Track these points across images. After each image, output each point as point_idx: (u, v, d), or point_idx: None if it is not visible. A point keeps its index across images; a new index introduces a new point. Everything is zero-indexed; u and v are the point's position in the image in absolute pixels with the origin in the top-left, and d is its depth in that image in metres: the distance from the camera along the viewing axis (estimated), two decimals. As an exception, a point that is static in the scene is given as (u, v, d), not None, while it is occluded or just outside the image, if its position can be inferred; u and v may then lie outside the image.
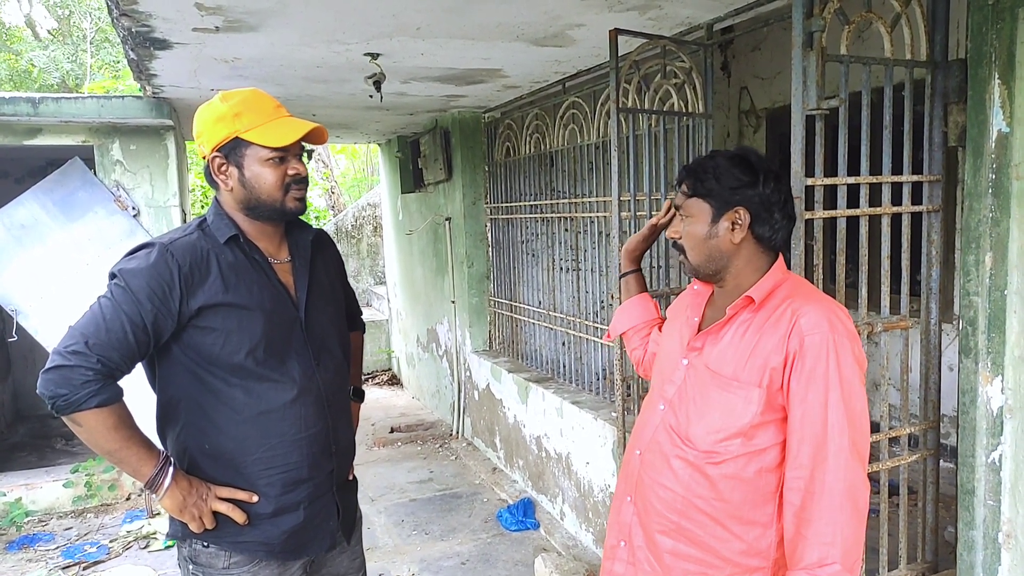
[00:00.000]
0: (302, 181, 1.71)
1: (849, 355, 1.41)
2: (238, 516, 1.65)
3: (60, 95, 4.37)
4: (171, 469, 1.61)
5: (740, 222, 1.50)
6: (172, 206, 4.65)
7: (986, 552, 1.78)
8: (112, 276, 1.61)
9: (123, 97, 4.42)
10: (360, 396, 2.12)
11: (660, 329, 1.89)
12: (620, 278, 2.01)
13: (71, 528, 4.23)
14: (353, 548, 1.93)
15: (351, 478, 1.92)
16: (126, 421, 1.59)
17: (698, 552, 1.53)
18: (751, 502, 1.49)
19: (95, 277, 4.35)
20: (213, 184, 1.71)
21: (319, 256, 1.85)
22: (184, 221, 4.76)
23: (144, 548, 3.92)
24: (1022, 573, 1.73)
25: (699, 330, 1.60)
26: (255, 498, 1.67)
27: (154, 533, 4.04)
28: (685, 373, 1.58)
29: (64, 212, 4.44)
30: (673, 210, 1.60)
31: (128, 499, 4.56)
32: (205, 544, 1.68)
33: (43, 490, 4.45)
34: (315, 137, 1.72)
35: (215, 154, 1.66)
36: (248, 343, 1.62)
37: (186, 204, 5.10)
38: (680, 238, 1.56)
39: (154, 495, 1.62)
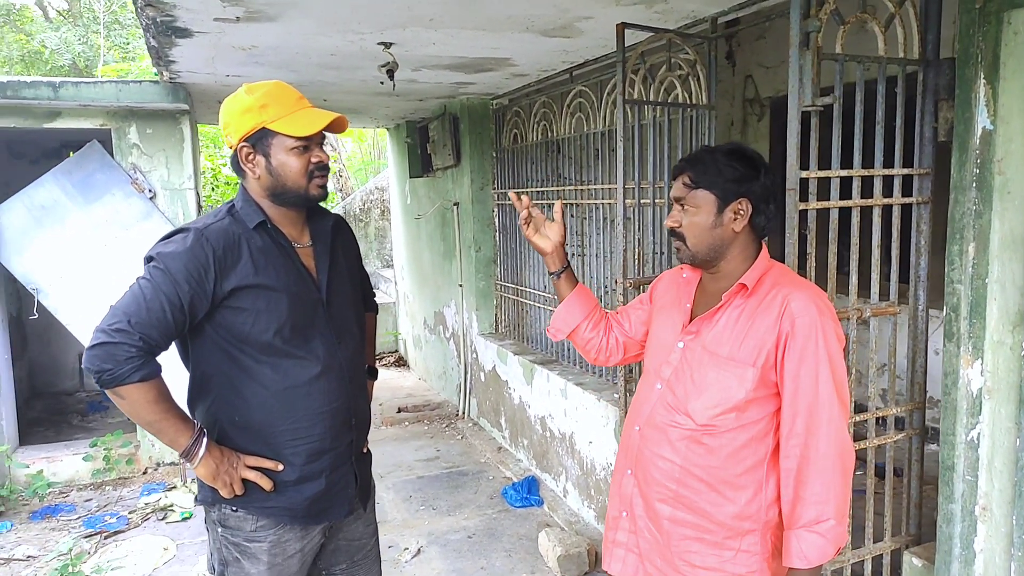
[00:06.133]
0: (324, 168, 1.79)
1: (833, 334, 1.56)
2: (265, 483, 1.75)
3: (80, 80, 4.47)
4: (205, 440, 1.71)
5: (743, 212, 1.61)
6: (187, 189, 4.76)
7: (963, 524, 1.90)
8: (149, 259, 1.70)
9: (141, 82, 4.52)
10: (374, 374, 2.22)
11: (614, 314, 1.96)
12: (556, 276, 1.92)
13: (91, 500, 4.39)
14: (368, 515, 2.04)
15: (366, 451, 2.02)
16: (165, 395, 1.68)
17: (694, 517, 1.66)
18: (742, 469, 1.62)
19: (112, 258, 4.48)
20: (240, 172, 1.80)
21: (338, 241, 1.93)
22: (198, 203, 4.87)
23: (162, 519, 4.07)
24: (996, 543, 1.85)
25: (692, 315, 1.72)
26: (280, 467, 1.77)
27: (171, 505, 4.19)
28: (681, 355, 1.69)
29: (83, 194, 4.56)
30: (675, 202, 1.68)
31: (145, 473, 4.71)
32: (234, 508, 1.78)
33: (63, 463, 4.61)
34: (337, 126, 1.82)
35: (243, 144, 1.74)
36: (276, 323, 1.72)
37: (199, 187, 5.21)
38: (679, 227, 1.66)
39: (189, 463, 1.72)
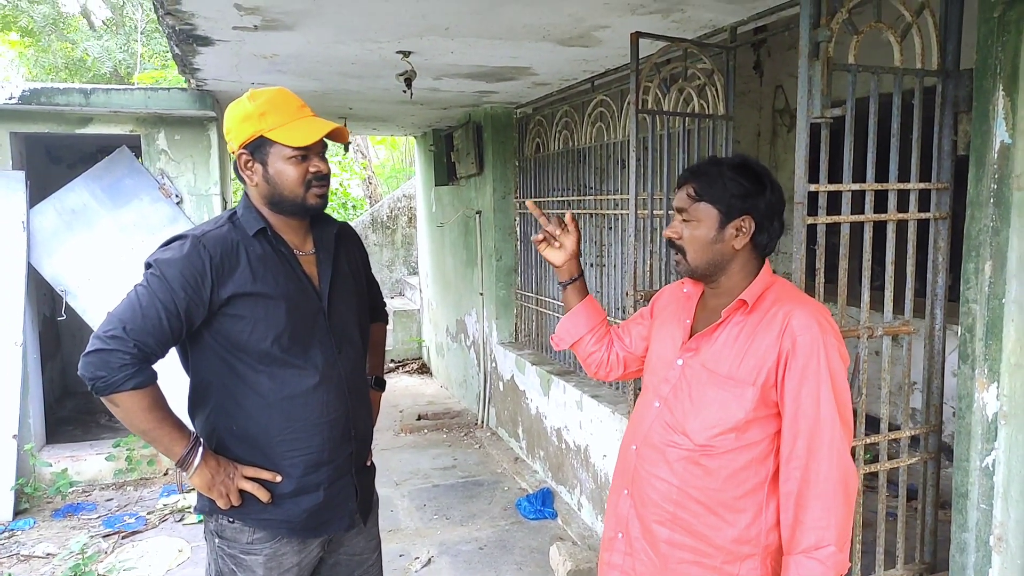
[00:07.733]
0: (323, 178, 1.77)
1: (836, 353, 1.51)
2: (262, 495, 1.73)
3: (110, 87, 4.57)
4: (201, 449, 1.70)
5: (745, 230, 1.56)
6: (213, 195, 4.84)
7: (978, 554, 1.82)
8: (148, 266, 1.71)
9: (169, 89, 4.60)
10: (381, 386, 2.18)
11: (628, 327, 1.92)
12: (564, 287, 1.91)
13: (112, 499, 4.46)
14: (369, 529, 1.99)
15: (369, 463, 1.99)
16: (160, 403, 1.69)
17: (692, 541, 1.61)
18: (742, 491, 1.57)
19: (139, 261, 4.53)
20: (241, 179, 1.80)
21: (343, 248, 1.92)
22: (225, 209, 4.94)
23: (179, 521, 4.11)
24: (1012, 575, 1.76)
25: (691, 331, 1.67)
26: (278, 478, 1.74)
27: (188, 507, 4.24)
28: (680, 372, 1.64)
29: (111, 198, 4.66)
30: (675, 213, 1.65)
31: (165, 474, 4.77)
32: (231, 520, 1.76)
33: (87, 462, 4.69)
34: (338, 136, 1.80)
35: (242, 151, 1.74)
36: (274, 331, 1.70)
37: (227, 193, 5.28)
38: (679, 239, 1.62)
39: (184, 472, 1.71)
